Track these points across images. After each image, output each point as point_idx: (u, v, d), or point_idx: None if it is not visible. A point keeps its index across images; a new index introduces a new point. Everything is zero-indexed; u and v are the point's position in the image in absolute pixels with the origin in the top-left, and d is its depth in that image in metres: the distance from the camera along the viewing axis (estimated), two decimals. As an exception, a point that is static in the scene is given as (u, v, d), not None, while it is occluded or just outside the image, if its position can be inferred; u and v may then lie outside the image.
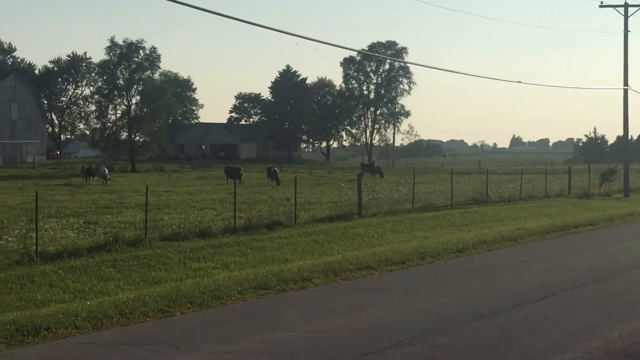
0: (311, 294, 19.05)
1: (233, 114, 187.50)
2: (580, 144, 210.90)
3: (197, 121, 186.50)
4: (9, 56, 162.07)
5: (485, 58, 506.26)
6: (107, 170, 73.36)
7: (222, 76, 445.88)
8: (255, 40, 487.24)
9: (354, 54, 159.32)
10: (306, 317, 16.21)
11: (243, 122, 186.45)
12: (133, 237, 27.11)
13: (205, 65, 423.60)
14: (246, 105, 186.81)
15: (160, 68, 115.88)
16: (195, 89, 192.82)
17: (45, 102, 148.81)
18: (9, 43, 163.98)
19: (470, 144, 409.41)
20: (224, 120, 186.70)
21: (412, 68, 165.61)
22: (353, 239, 30.53)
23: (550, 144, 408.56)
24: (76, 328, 15.28)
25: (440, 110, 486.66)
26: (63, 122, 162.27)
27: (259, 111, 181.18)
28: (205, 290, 18.58)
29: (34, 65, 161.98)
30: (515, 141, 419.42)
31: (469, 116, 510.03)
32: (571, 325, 15.35)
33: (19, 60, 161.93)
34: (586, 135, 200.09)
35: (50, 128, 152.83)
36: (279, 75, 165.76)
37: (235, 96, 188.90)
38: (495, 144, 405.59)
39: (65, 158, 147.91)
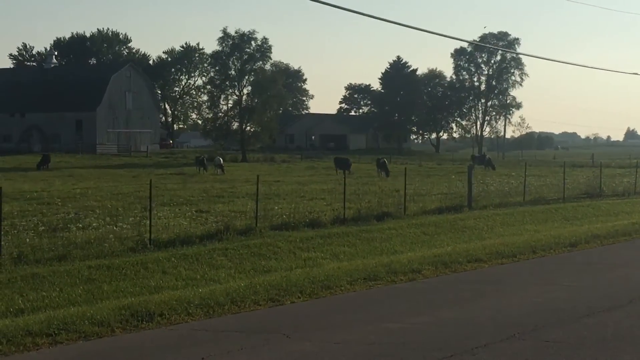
0: (421, 286, 18.97)
1: (343, 105, 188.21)
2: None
3: (307, 112, 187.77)
4: (124, 47, 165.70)
5: (599, 49, 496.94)
6: (221, 160, 73.64)
7: (332, 67, 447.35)
8: (366, 30, 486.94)
9: (465, 44, 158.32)
10: (416, 309, 16.14)
11: (353, 113, 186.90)
12: (244, 226, 27.43)
13: (315, 56, 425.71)
14: (356, 96, 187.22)
15: (271, 59, 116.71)
16: (305, 79, 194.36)
17: (159, 92, 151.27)
18: (125, 34, 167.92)
19: (583, 136, 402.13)
20: (334, 111, 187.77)
21: (524, 59, 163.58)
22: (463, 231, 30.33)
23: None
24: (189, 315, 15.49)
25: (552, 102, 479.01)
26: (176, 112, 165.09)
27: (369, 102, 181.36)
28: (315, 280, 18.64)
29: (148, 55, 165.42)
30: (630, 134, 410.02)
31: (582, 108, 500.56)
32: (689, 323, 14.94)
33: (134, 50, 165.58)
34: None
35: (163, 117, 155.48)
36: (389, 66, 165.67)
37: (345, 87, 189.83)
38: (609, 137, 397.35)
39: (177, 147, 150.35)
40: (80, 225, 27.51)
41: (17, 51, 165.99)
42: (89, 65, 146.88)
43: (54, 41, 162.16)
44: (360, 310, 16.12)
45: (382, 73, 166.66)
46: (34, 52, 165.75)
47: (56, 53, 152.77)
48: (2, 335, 13.54)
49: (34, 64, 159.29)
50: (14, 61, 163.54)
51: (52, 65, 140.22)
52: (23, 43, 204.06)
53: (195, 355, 12.64)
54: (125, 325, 14.67)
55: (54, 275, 20.32)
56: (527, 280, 19.73)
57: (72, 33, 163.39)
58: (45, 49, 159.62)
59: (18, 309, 17.17)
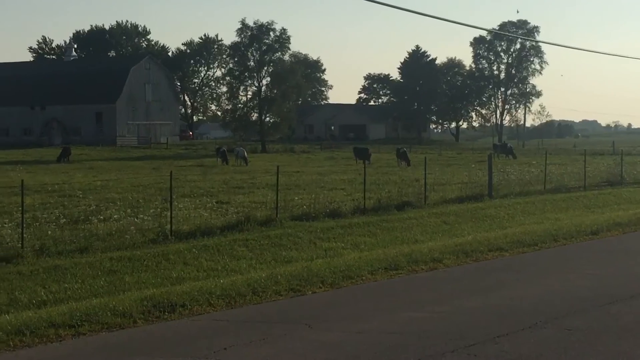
0: (442, 275, 18.96)
1: (362, 95, 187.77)
2: None
3: (326, 102, 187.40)
4: (143, 39, 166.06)
5: (620, 37, 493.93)
6: (245, 151, 72.49)
7: (351, 57, 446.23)
8: (385, 20, 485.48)
9: (484, 33, 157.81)
10: (437, 298, 16.12)
11: (372, 102, 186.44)
12: (264, 217, 27.44)
13: (334, 46, 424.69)
14: (375, 86, 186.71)
15: (290, 49, 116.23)
16: (324, 70, 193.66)
17: (178, 83, 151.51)
18: (144, 26, 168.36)
19: (603, 124, 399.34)
20: (353, 101, 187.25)
21: (544, 47, 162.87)
22: (483, 220, 30.27)
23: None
24: (210, 305, 15.53)
25: (572, 90, 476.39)
26: (195, 104, 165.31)
27: (388, 92, 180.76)
28: (336, 270, 18.65)
29: (167, 47, 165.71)
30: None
31: (602, 96, 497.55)
32: None
33: (153, 42, 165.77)
34: None
35: (182, 109, 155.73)
36: (408, 56, 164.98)
37: (364, 77, 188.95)
38: (629, 125, 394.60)
39: (196, 139, 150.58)
40: (102, 217, 27.59)
41: (37, 44, 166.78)
42: (109, 58, 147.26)
43: (74, 34, 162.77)
44: (382, 299, 16.12)
45: (401, 63, 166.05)
46: (53, 45, 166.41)
47: (76, 46, 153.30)
48: (26, 327, 13.63)
49: (53, 57, 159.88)
50: (34, 54, 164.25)
51: (72, 58, 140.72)
52: (43, 36, 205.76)
53: (218, 345, 12.68)
54: (147, 316, 14.73)
55: (76, 267, 20.42)
56: (549, 269, 19.69)
57: (92, 26, 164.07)
58: (65, 42, 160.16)
59: (41, 300, 17.27)
